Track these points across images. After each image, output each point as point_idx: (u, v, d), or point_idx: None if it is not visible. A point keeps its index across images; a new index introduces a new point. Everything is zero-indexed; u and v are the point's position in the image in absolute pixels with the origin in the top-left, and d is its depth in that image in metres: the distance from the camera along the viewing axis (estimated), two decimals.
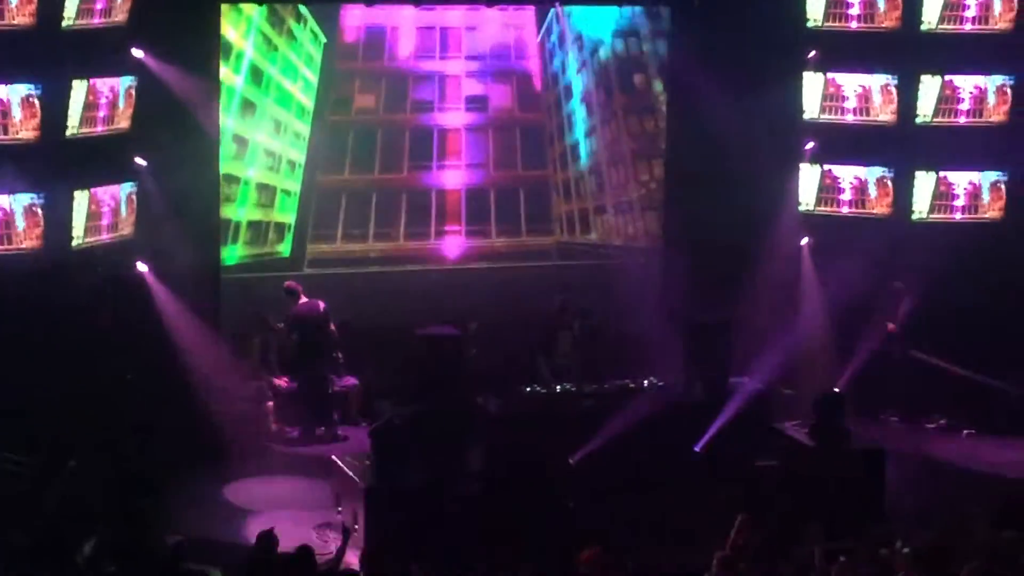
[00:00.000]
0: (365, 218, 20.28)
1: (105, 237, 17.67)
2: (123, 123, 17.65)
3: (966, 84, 19.11)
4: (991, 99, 19.09)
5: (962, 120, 19.18)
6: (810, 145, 19.56)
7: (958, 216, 19.41)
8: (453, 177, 20.60)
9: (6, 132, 16.43)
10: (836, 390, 17.23)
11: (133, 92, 17.62)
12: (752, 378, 17.29)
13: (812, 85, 19.50)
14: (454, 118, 20.55)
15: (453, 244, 20.57)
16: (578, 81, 20.89)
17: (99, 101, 17.21)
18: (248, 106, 19.28)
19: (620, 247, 21.06)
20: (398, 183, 20.37)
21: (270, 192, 19.78)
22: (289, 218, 20.01)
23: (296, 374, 18.48)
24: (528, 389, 16.46)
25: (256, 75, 19.31)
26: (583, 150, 21.00)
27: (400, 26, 20.19)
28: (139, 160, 17.77)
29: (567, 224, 21.04)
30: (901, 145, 19.30)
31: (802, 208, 19.82)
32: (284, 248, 20.00)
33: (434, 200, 20.51)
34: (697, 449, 16.19)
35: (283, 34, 19.53)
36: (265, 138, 19.55)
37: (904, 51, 19.11)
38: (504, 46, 20.58)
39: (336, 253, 20.17)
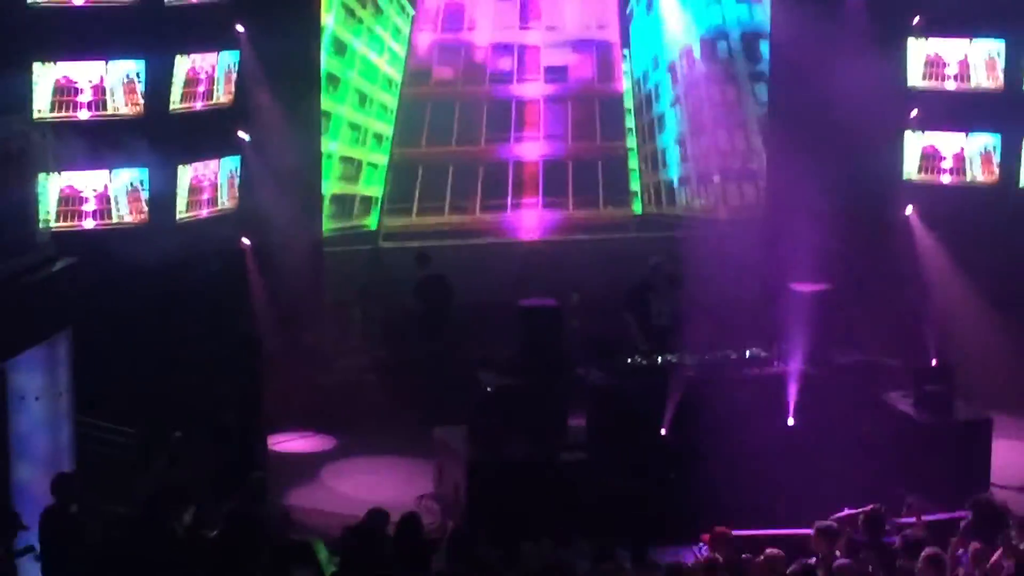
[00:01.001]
0: (441, 191, 20.25)
1: (204, 212, 17.78)
2: (225, 98, 17.75)
3: None
4: None
5: None
6: (914, 113, 19.30)
7: None
8: (531, 149, 20.52)
9: (105, 108, 16.59)
10: (938, 361, 17.12)
11: (234, 68, 17.72)
12: (856, 349, 17.10)
13: (916, 52, 19.23)
14: (533, 89, 20.47)
15: (530, 216, 20.51)
16: (664, 51, 20.74)
17: (200, 77, 17.33)
18: (331, 80, 19.32)
19: (706, 219, 20.96)
20: (475, 155, 20.35)
21: (355, 165, 19.81)
22: (376, 191, 20.04)
23: (414, 344, 18.49)
24: (630, 360, 16.36)
25: (339, 48, 19.33)
26: (669, 121, 20.88)
27: None
28: (242, 134, 17.87)
29: (653, 195, 20.93)
30: (1008, 112, 18.95)
31: (905, 177, 19.57)
32: (371, 221, 20.03)
33: (511, 172, 20.46)
34: (792, 422, 16.01)
35: (368, 6, 19.53)
36: (349, 111, 19.58)
37: (1012, 15, 18.77)
38: (585, 15, 20.49)
39: (413, 226, 20.16)
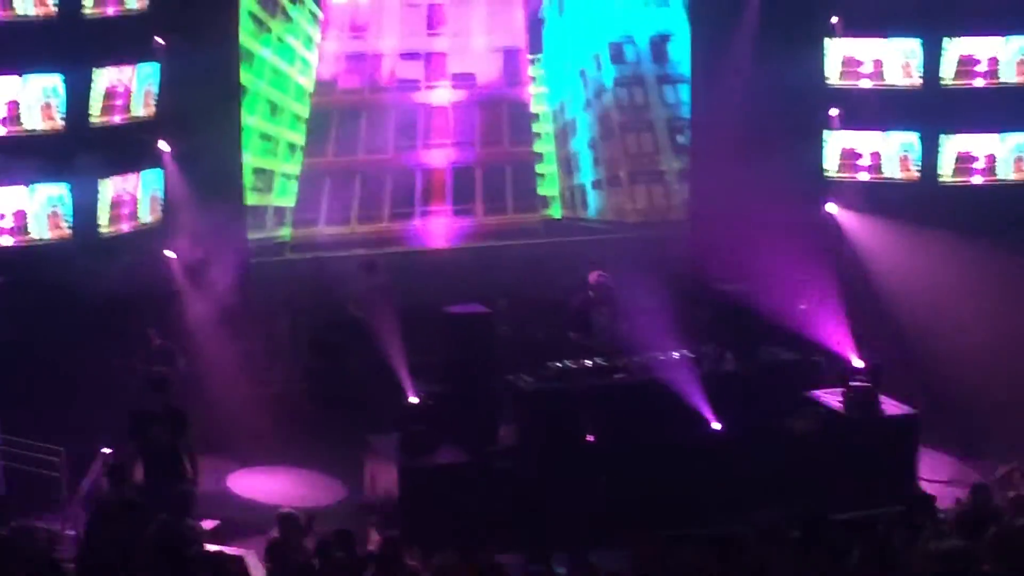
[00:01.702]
0: (349, 200, 20.10)
1: (126, 227, 17.63)
2: (144, 111, 17.62)
3: (983, 47, 18.93)
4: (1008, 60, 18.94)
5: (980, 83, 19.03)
6: (834, 112, 19.48)
7: (978, 179, 19.26)
8: (439, 156, 20.44)
9: (21, 123, 16.43)
10: (865, 358, 17.26)
11: (153, 81, 17.59)
12: (781, 347, 17.21)
13: (834, 51, 19.41)
14: (440, 96, 20.39)
15: (440, 224, 20.45)
16: (575, 56, 20.82)
17: (118, 90, 17.19)
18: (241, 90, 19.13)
19: (621, 222, 21.08)
20: (383, 164, 20.21)
21: (267, 176, 19.64)
22: (291, 201, 19.89)
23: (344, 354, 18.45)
24: (559, 365, 16.41)
25: (248, 58, 19.13)
26: (580, 125, 20.95)
27: (385, 3, 20.11)
28: (163, 146, 17.76)
29: (569, 199, 20.99)
30: (926, 110, 19.15)
31: (826, 175, 19.75)
32: (286, 232, 19.87)
33: (420, 180, 20.35)
34: (718, 426, 16.09)
35: (277, 15, 19.40)
36: (260, 121, 19.42)
37: (928, 14, 18.97)
38: (492, 22, 20.45)
39: (320, 236, 19.98)
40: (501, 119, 20.70)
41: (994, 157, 19.12)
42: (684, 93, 21.09)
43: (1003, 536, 10.95)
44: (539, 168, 20.95)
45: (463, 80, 20.43)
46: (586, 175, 21.08)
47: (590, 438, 15.83)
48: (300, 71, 19.69)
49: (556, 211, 21.00)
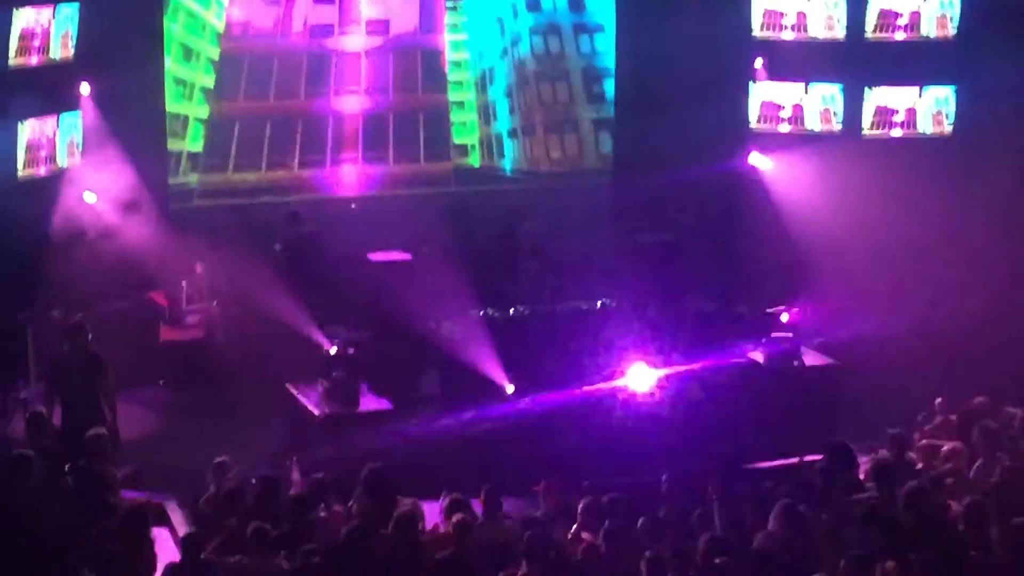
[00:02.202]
0: (259, 146, 19.88)
1: (43, 170, 17.38)
2: (62, 53, 17.36)
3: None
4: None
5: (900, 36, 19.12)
6: (759, 63, 19.50)
7: (897, 132, 19.37)
8: (351, 103, 20.27)
9: None
10: (785, 309, 17.38)
11: (73, 22, 17.33)
12: (705, 297, 17.30)
13: (757, 2, 19.43)
14: (353, 42, 20.22)
15: (350, 171, 20.32)
16: (494, 4, 20.79)
17: (36, 31, 16.91)
18: None
19: (532, 171, 21.08)
20: (294, 110, 20.01)
21: (181, 121, 19.41)
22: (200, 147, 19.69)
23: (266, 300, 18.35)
24: (482, 313, 16.41)
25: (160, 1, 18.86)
26: (498, 73, 20.89)
27: None
28: (83, 88, 17.52)
29: (486, 148, 20.91)
30: (849, 62, 19.22)
31: (763, 125, 19.79)
32: (193, 179, 19.65)
33: (331, 127, 20.18)
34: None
35: None
36: (174, 65, 19.15)
37: None
38: None
39: (228, 183, 19.79)
40: (415, 66, 20.55)
41: (914, 111, 19.21)
42: (600, 42, 21.04)
43: (917, 489, 11.07)
44: (458, 116, 20.81)
45: (377, 26, 20.23)
46: (503, 124, 21.01)
47: (510, 389, 15.82)
48: (216, 15, 19.42)
49: (475, 159, 20.92)
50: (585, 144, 21.21)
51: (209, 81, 19.51)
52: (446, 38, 20.64)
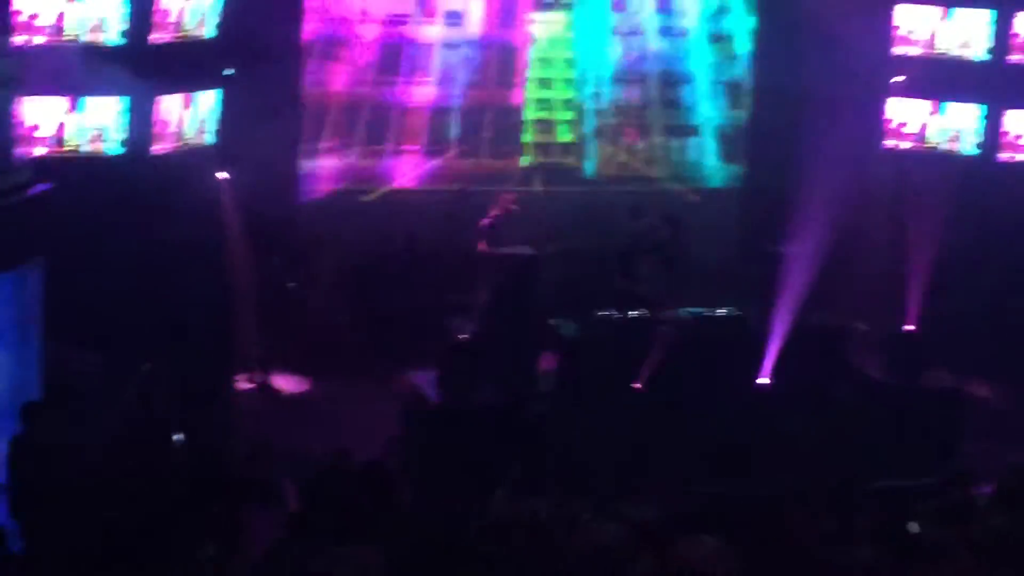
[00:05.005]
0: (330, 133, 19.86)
1: (171, 145, 17.54)
2: (207, 31, 17.51)
3: None
4: None
5: None
6: (899, 79, 19.26)
7: None
8: (420, 94, 20.20)
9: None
10: (911, 328, 17.18)
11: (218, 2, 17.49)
12: (830, 311, 17.12)
13: (904, 18, 19.18)
14: (430, 32, 20.13)
15: (408, 163, 20.20)
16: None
17: (171, 9, 17.06)
18: None
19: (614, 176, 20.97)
20: (362, 97, 19.96)
21: None
22: None
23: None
24: (602, 314, 16.36)
25: None
26: (587, 75, 20.77)
27: None
28: (227, 69, 17.67)
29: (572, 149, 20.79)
30: (990, 82, 18.94)
31: (889, 143, 19.55)
32: None
33: (395, 116, 20.11)
34: (762, 380, 16.06)
35: None
36: None
37: None
38: None
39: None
40: (490, 61, 20.39)
41: None
42: (681, 47, 20.84)
43: None
44: (538, 114, 20.65)
45: (454, 18, 20.13)
46: (589, 125, 20.85)
47: (637, 386, 15.75)
48: None
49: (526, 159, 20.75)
50: (654, 148, 21.04)
51: None
52: (531, 34, 20.42)
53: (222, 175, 17.82)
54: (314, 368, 18.00)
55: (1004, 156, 19.11)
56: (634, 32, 20.61)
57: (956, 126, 19.27)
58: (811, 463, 13.81)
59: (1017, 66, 18.85)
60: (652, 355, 15.76)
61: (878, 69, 19.23)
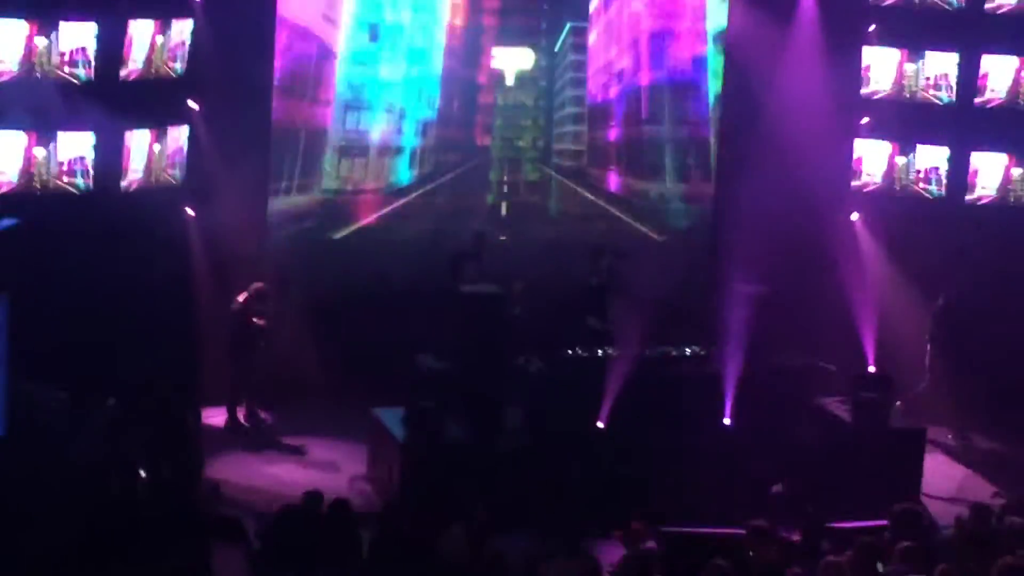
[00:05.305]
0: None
1: (143, 182, 17.50)
2: (176, 67, 17.54)
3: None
4: None
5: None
6: (865, 120, 19.40)
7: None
8: (387, 132, 19.94)
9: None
10: (876, 369, 17.26)
11: (188, 36, 17.52)
12: (795, 352, 17.18)
13: (871, 60, 19.31)
14: (395, 71, 19.91)
15: (377, 201, 19.99)
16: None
17: (152, 43, 17.09)
18: None
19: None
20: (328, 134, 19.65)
21: None
22: None
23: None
24: (569, 352, 16.40)
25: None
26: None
27: None
28: (192, 103, 17.70)
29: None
30: (956, 127, 19.10)
31: (855, 183, 19.66)
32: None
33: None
34: (728, 421, 16.13)
35: None
36: None
37: (967, 29, 18.90)
38: None
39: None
40: (455, 99, 20.24)
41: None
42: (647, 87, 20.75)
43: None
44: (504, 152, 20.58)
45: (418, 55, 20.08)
46: (554, 164, 20.70)
47: (600, 425, 15.78)
48: None
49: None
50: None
51: None
52: (497, 71, 20.37)
53: (190, 211, 17.84)
54: (281, 404, 17.97)
55: (971, 197, 19.25)
56: (600, 72, 20.63)
57: (924, 166, 19.40)
58: (776, 503, 13.78)
59: (983, 108, 19.01)
60: (617, 394, 15.78)
61: (846, 110, 19.34)
